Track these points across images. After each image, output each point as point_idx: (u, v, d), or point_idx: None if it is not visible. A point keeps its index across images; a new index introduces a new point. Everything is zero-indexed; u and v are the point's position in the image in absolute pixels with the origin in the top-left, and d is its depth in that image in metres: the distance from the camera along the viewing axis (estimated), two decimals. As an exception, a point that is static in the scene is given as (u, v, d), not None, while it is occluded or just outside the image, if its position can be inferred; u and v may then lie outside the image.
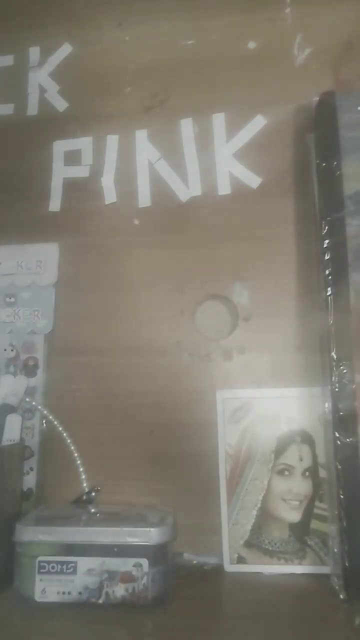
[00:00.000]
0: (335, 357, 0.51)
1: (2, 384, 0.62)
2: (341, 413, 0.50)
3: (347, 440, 0.49)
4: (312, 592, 0.51)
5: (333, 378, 0.50)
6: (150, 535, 0.49)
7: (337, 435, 0.49)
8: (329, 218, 0.54)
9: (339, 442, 0.49)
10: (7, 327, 0.65)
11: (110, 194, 0.66)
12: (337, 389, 0.50)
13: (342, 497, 0.48)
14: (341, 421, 0.50)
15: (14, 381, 0.63)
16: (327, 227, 0.54)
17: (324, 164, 0.55)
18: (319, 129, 0.57)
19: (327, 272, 0.53)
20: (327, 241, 0.54)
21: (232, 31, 0.65)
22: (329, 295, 0.52)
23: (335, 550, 0.50)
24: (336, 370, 0.50)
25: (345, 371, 0.50)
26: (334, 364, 0.51)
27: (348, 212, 0.53)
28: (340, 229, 0.53)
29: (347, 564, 0.47)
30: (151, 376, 0.61)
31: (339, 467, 0.49)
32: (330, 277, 0.53)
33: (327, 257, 0.53)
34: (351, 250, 0.53)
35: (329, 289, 0.52)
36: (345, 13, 0.62)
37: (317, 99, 0.58)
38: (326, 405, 0.53)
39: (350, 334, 0.51)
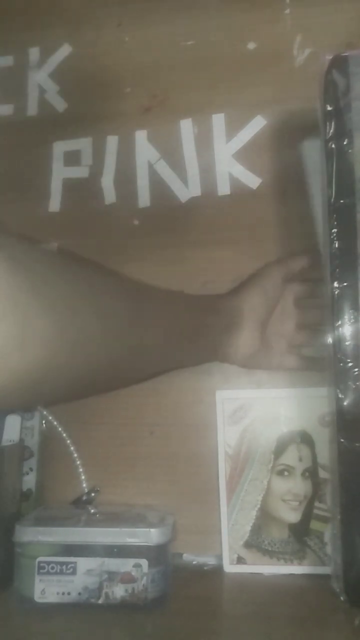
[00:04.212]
0: (342, 359, 0.47)
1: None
2: (347, 417, 0.47)
3: (353, 445, 0.47)
4: (312, 593, 0.51)
5: (339, 381, 0.48)
6: (149, 535, 0.49)
7: (341, 440, 0.48)
8: (337, 204, 0.47)
9: (343, 447, 0.47)
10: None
11: (110, 195, 0.66)
12: (343, 393, 0.48)
13: (344, 501, 0.47)
14: (346, 426, 0.47)
15: (14, 381, 0.63)
16: (335, 215, 0.48)
17: (332, 142, 0.48)
18: (328, 100, 0.49)
19: (334, 264, 0.48)
20: (334, 230, 0.47)
21: (232, 31, 0.65)
22: (336, 291, 0.47)
23: (336, 552, 0.50)
24: (343, 373, 0.47)
25: (352, 374, 0.47)
26: (340, 366, 0.48)
27: (359, 198, 0.47)
28: (349, 216, 0.47)
29: (347, 566, 0.47)
30: (151, 376, 0.61)
31: (342, 471, 0.48)
32: (337, 271, 0.47)
33: (334, 249, 0.48)
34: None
35: (335, 283, 0.47)
36: (345, 13, 0.62)
37: (328, 61, 0.49)
38: (330, 408, 0.52)
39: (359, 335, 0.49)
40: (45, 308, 0.29)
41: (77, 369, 0.33)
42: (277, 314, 0.56)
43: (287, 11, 0.64)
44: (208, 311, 0.52)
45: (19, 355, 0.27)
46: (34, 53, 0.71)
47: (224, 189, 0.63)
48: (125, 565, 0.48)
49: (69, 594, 0.48)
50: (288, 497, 0.56)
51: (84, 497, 0.59)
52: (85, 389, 0.38)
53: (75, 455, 0.61)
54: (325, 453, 0.55)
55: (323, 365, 0.50)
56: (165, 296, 0.51)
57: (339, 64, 0.49)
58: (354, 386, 0.47)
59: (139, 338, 0.41)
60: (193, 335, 0.50)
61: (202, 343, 0.51)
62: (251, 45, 0.64)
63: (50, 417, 0.62)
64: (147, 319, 0.43)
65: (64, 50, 0.70)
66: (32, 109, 0.70)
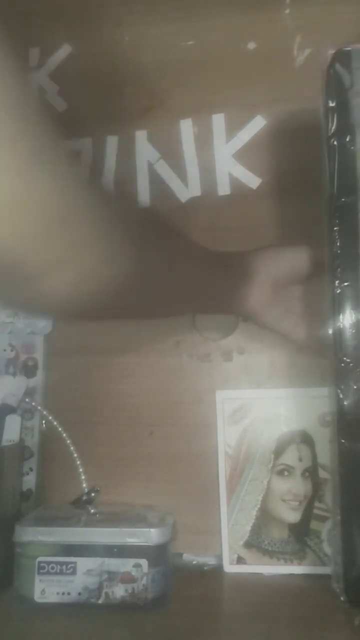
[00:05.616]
0: (343, 359, 0.47)
1: (1, 384, 0.62)
2: (347, 417, 0.47)
3: (353, 445, 0.47)
4: (312, 593, 0.51)
5: (340, 382, 0.47)
6: (149, 535, 0.49)
7: (342, 440, 0.47)
8: (338, 203, 0.47)
9: (343, 447, 0.47)
10: (6, 327, 0.65)
11: (110, 195, 0.66)
12: (343, 393, 0.47)
13: (344, 501, 0.47)
14: (347, 426, 0.47)
15: (14, 382, 0.63)
16: (336, 213, 0.47)
17: (334, 139, 0.47)
18: (330, 96, 0.48)
19: (335, 263, 0.47)
20: (336, 229, 0.47)
21: (232, 31, 0.65)
22: (337, 290, 0.47)
23: (336, 553, 0.50)
24: (344, 374, 0.47)
25: (353, 374, 0.47)
26: (342, 366, 0.47)
27: None
28: (351, 215, 0.46)
29: (347, 566, 0.47)
30: (151, 376, 0.61)
31: (342, 471, 0.47)
32: (338, 270, 0.47)
33: (335, 248, 0.47)
34: (364, 240, 0.46)
35: (337, 282, 0.47)
36: (345, 14, 0.62)
37: (330, 56, 0.48)
38: (331, 408, 0.52)
39: None
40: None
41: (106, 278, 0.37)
42: (291, 280, 0.55)
43: (287, 11, 0.64)
44: (217, 264, 0.52)
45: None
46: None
47: (224, 189, 0.63)
48: (125, 565, 0.48)
49: (69, 594, 0.48)
50: (288, 497, 0.56)
51: (84, 497, 0.59)
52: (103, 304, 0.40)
53: (75, 455, 0.61)
54: (325, 453, 0.55)
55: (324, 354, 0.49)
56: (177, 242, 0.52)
57: (342, 58, 0.48)
58: (354, 386, 0.47)
59: (143, 269, 0.41)
60: (199, 283, 0.50)
61: (209, 293, 0.52)
62: (251, 45, 0.64)
63: (50, 417, 0.62)
64: (153, 252, 0.43)
65: (64, 51, 0.70)
66: (32, 109, 0.69)
